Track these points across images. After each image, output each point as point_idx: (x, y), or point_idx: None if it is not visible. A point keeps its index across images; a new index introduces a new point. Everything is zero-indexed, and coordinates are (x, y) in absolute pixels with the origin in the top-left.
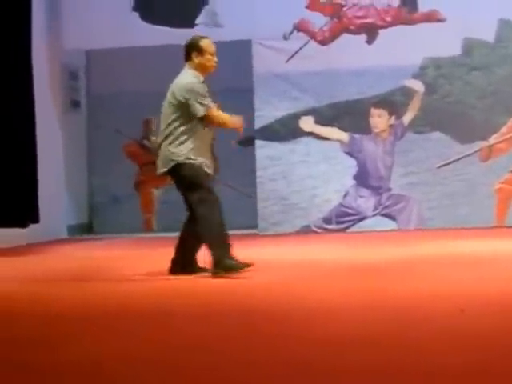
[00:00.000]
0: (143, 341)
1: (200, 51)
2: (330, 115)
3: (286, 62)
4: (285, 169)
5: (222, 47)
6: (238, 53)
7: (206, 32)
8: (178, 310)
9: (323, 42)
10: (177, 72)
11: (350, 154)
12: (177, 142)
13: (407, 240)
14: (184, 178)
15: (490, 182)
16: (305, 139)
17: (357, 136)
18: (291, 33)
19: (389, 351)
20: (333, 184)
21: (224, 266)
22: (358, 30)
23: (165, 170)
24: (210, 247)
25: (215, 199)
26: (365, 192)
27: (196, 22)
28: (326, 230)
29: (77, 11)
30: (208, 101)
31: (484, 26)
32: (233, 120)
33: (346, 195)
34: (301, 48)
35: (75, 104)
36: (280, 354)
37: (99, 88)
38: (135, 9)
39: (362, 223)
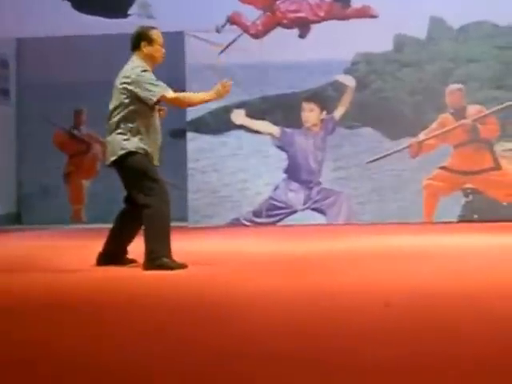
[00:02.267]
0: (73, 332)
1: (150, 41)
2: (261, 109)
3: (219, 54)
4: (216, 161)
5: None
6: (170, 44)
7: (139, 23)
8: (107, 301)
9: (256, 36)
10: (109, 62)
11: (281, 147)
12: (125, 132)
13: (336, 234)
14: (132, 168)
15: (418, 178)
16: (236, 132)
17: (288, 130)
18: (224, 25)
19: (316, 341)
20: (263, 177)
21: (158, 263)
22: (290, 24)
23: (113, 159)
24: (149, 241)
25: (164, 192)
26: (295, 186)
27: (129, 12)
28: (255, 223)
29: None
30: (158, 86)
31: (416, 23)
32: (205, 94)
33: (276, 189)
34: (233, 41)
35: (4, 93)
36: (208, 343)
37: (30, 77)
38: None
39: (291, 217)
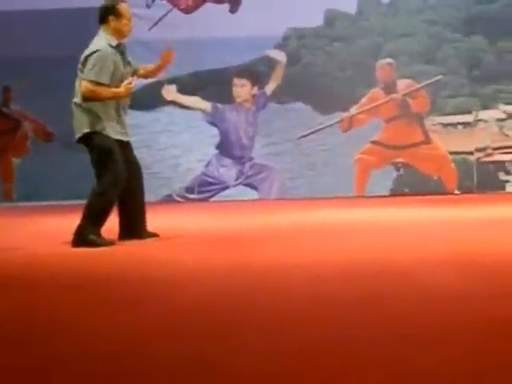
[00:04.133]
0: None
1: (117, 15)
2: (192, 84)
3: (149, 29)
4: (148, 137)
5: (87, 14)
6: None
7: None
8: (39, 279)
9: (186, 10)
10: (36, 38)
11: (212, 123)
12: (87, 110)
13: (268, 209)
14: (94, 146)
15: (350, 153)
16: (168, 108)
17: (219, 106)
18: (154, 0)
19: (245, 314)
20: (195, 153)
21: (88, 239)
22: None
23: (77, 136)
24: (85, 217)
25: (119, 174)
26: (227, 161)
27: None
28: (188, 199)
29: None
30: (99, 75)
31: None
32: (117, 90)
33: (208, 165)
34: (164, 16)
35: None
36: (140, 319)
37: None
38: None
39: (224, 193)
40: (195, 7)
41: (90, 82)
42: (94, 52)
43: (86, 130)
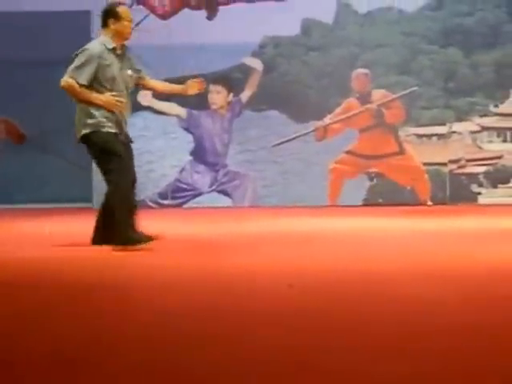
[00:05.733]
0: None
1: (117, 17)
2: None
3: None
4: None
5: (60, 17)
6: (76, 24)
7: (45, 1)
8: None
9: (163, 16)
10: (15, 40)
11: (187, 129)
12: (87, 109)
13: (241, 217)
14: (95, 145)
15: (324, 162)
16: (143, 113)
17: (195, 112)
18: (131, 5)
19: (218, 322)
20: (169, 159)
21: (126, 238)
22: (198, 6)
23: (77, 137)
24: (114, 219)
25: (126, 168)
26: (201, 168)
27: None
28: (161, 205)
29: None
30: (78, 73)
31: (323, 8)
32: (95, 97)
33: (182, 171)
34: (140, 21)
35: None
36: (105, 328)
37: None
38: None
39: (197, 199)
40: (172, 13)
41: (71, 78)
42: (83, 51)
43: (85, 132)
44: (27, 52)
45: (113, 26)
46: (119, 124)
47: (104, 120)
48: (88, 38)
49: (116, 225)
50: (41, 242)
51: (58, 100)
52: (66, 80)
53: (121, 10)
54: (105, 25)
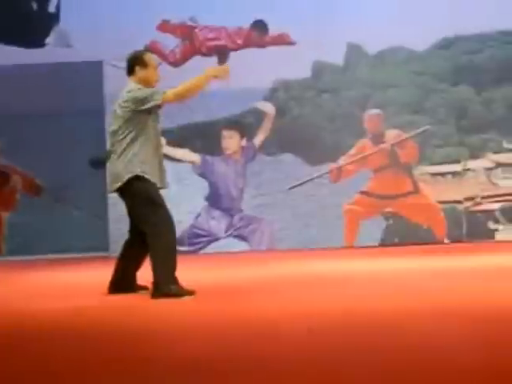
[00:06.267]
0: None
1: (144, 65)
2: (181, 137)
3: None
4: None
5: (72, 68)
6: (88, 74)
7: (56, 52)
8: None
9: (175, 64)
10: (24, 92)
11: (201, 175)
12: (126, 158)
13: (258, 261)
14: (139, 194)
15: (339, 203)
16: None
17: (208, 157)
18: None
19: (236, 365)
20: (185, 205)
21: (166, 290)
22: (209, 52)
23: (117, 186)
24: (156, 268)
25: (171, 220)
26: (217, 213)
27: (46, 41)
28: (178, 251)
29: None
30: (157, 93)
31: (333, 50)
32: (201, 79)
33: (198, 216)
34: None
35: None
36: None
37: None
38: None
39: (214, 244)
40: (183, 60)
41: (164, 97)
42: (134, 88)
43: (127, 177)
44: (41, 103)
45: (139, 73)
46: (156, 167)
47: (141, 167)
48: (100, 88)
49: (156, 277)
50: (74, 291)
51: (72, 150)
52: (165, 97)
53: (147, 56)
54: (131, 72)
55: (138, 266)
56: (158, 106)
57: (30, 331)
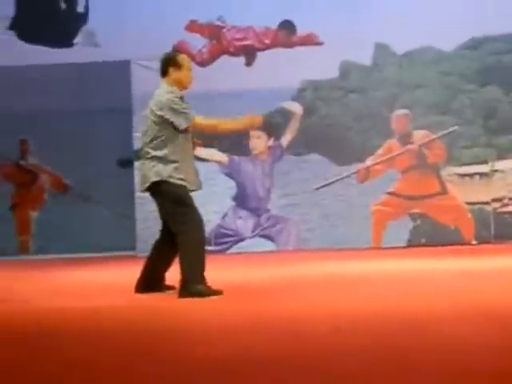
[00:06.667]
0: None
1: (178, 66)
2: (208, 136)
3: None
4: None
5: (100, 67)
6: (116, 73)
7: (84, 52)
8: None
9: (202, 64)
10: (53, 91)
11: (229, 175)
12: (159, 159)
13: (285, 261)
14: (168, 194)
15: (366, 204)
16: None
17: (236, 158)
18: None
19: (268, 371)
20: (212, 205)
21: (194, 290)
22: (236, 52)
23: (147, 185)
24: (184, 268)
25: (199, 219)
26: (244, 213)
27: (74, 41)
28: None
29: None
30: (188, 114)
31: (361, 50)
32: (235, 124)
33: (224, 216)
34: None
35: None
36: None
37: None
38: (12, 27)
39: (240, 244)
40: (211, 60)
41: (190, 120)
42: (171, 97)
43: (155, 179)
44: (69, 103)
45: (173, 74)
46: (189, 170)
47: (174, 171)
48: (128, 88)
49: (184, 276)
50: (101, 290)
51: (100, 150)
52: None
53: (181, 58)
54: (165, 73)
55: (167, 266)
56: (185, 128)
57: (56, 330)
